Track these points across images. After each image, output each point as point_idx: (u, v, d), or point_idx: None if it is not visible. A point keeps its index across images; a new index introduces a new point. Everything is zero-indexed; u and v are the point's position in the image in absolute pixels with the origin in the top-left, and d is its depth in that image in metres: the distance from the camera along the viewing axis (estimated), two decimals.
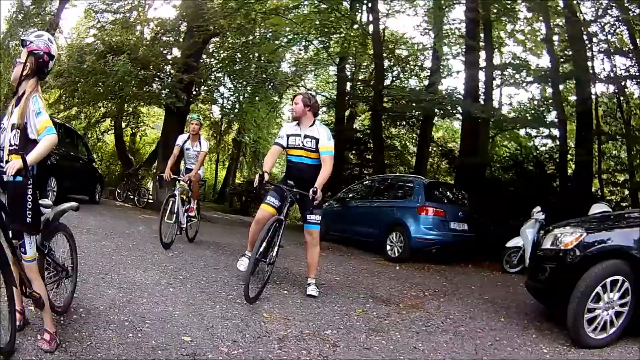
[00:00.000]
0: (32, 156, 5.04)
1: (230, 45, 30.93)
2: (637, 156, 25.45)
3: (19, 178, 4.96)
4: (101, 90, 27.08)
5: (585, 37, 23.77)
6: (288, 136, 9.78)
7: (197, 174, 13.96)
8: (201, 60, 29.83)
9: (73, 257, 6.62)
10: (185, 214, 13.54)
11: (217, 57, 31.83)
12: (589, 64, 25.20)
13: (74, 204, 6.38)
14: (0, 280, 5.03)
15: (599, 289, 7.82)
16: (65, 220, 6.31)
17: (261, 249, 8.74)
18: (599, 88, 28.02)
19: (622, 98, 26.91)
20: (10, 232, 5.16)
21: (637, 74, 23.87)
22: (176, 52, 28.73)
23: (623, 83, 26.01)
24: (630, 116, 27.45)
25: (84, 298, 7.14)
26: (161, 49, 28.27)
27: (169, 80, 27.04)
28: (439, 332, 8.43)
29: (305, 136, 9.55)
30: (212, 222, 23.58)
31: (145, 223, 16.31)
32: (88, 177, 21.51)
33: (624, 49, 24.67)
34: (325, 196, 10.46)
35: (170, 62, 28.04)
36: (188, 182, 13.60)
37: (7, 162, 4.96)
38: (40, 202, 5.47)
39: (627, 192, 26.73)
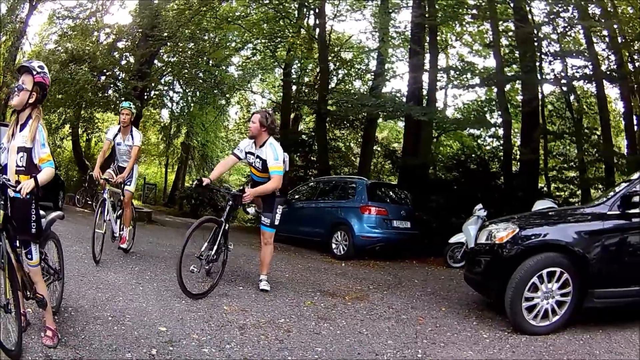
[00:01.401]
0: (41, 179, 5.64)
1: (180, 51, 31.11)
2: (587, 153, 26.11)
3: (28, 196, 5.52)
4: (62, 98, 27.33)
5: (534, 39, 24.27)
6: (246, 153, 10.36)
7: (130, 172, 12.47)
8: (153, 65, 30.20)
9: (61, 261, 7.23)
10: (118, 221, 12.37)
11: (168, 62, 32.02)
12: (539, 64, 25.60)
13: (60, 213, 6.97)
14: (7, 285, 5.46)
15: (535, 279, 8.32)
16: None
17: (202, 249, 9.58)
18: (546, 88, 28.75)
19: (572, 97, 27.24)
20: (17, 241, 5.67)
21: (591, 73, 24.21)
22: (130, 58, 29.05)
23: (575, 83, 26.42)
24: (582, 115, 27.67)
25: (70, 299, 7.80)
26: (117, 55, 28.61)
27: (124, 87, 27.30)
28: (382, 320, 9.04)
29: (257, 156, 10.09)
30: (165, 226, 24.18)
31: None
32: (52, 184, 21.07)
33: (577, 50, 24.94)
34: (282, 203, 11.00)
35: (125, 69, 28.35)
36: (120, 183, 12.23)
37: (17, 182, 5.55)
38: None
39: (576, 188, 27.20)
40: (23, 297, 5.99)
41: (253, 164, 10.23)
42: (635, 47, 23.50)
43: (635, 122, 24.16)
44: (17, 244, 5.77)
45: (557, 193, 27.27)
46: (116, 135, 12.44)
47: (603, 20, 22.35)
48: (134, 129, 12.64)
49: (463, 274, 10.82)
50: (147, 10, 28.13)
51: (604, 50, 24.81)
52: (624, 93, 23.77)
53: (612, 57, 24.21)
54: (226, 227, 9.94)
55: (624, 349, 7.62)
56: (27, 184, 5.51)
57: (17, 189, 5.48)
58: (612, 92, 26.79)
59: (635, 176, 9.30)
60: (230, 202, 10.14)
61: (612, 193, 9.38)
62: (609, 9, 22.12)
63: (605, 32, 23.82)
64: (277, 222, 10.44)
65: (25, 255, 5.92)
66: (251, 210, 11.08)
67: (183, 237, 9.36)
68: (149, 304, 8.19)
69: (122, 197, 12.36)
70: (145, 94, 30.91)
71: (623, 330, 8.29)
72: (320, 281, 12.51)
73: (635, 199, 8.57)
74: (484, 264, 9.38)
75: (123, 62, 29.09)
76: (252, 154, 10.18)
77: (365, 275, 14.36)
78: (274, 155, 9.91)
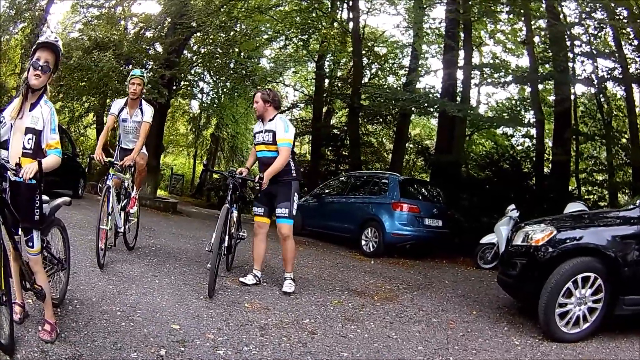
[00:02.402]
0: (46, 164, 5.18)
1: (211, 41, 30.89)
2: (616, 157, 25.96)
3: (32, 181, 5.10)
4: (86, 86, 26.94)
5: (567, 39, 23.76)
6: (255, 134, 10.08)
7: (141, 155, 10.87)
8: (182, 56, 29.83)
9: (66, 250, 6.76)
10: (122, 213, 10.59)
11: (198, 53, 31.75)
12: (570, 65, 25.12)
13: (66, 198, 6.61)
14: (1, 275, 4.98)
15: (570, 284, 8.07)
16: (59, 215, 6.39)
17: (212, 242, 8.88)
18: (578, 89, 28.49)
19: (602, 99, 27.07)
20: (14, 228, 5.24)
21: (620, 76, 23.89)
22: (158, 47, 28.76)
23: (604, 85, 26.07)
24: (611, 118, 27.52)
25: (77, 290, 7.40)
26: (144, 44, 28.29)
27: (152, 75, 26.67)
28: (412, 323, 8.64)
29: (265, 131, 9.71)
30: (190, 217, 24.05)
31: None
32: (72, 172, 21.24)
33: (607, 51, 24.64)
34: (302, 191, 10.45)
35: (153, 57, 28.06)
36: (129, 168, 10.68)
37: (17, 164, 5.01)
38: None
39: (605, 191, 26.82)
40: (21, 288, 5.78)
41: (263, 140, 9.80)
42: None
43: None
44: (18, 231, 5.39)
45: (587, 196, 26.80)
46: (122, 109, 10.77)
47: (631, 22, 22.12)
48: (144, 102, 10.94)
49: (497, 276, 10.51)
50: None
51: (633, 52, 24.53)
52: None
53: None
54: (234, 214, 9.64)
55: None
56: (29, 168, 5.03)
57: (20, 174, 5.01)
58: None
59: None
60: (231, 184, 9.68)
61: None
62: (634, 10, 21.83)
63: (632, 35, 23.82)
64: (294, 213, 9.78)
65: (25, 243, 5.52)
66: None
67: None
68: (163, 299, 7.74)
69: (128, 184, 10.90)
70: (175, 84, 30.77)
71: None
72: (349, 279, 12.13)
73: None
74: (520, 266, 9.07)
75: (151, 52, 28.80)
76: (261, 131, 9.85)
77: (394, 274, 13.92)
78: (285, 127, 9.61)
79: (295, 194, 9.70)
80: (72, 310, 6.65)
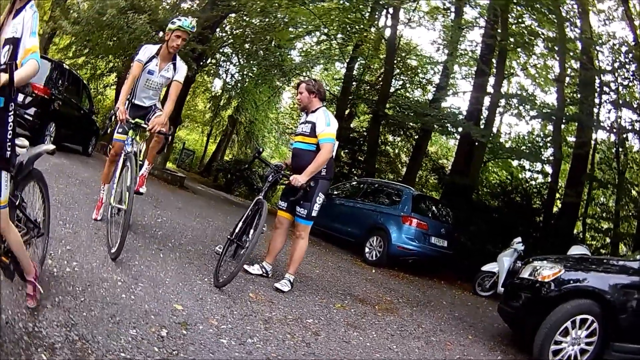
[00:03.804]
0: (19, 75, 4.18)
1: (246, 24, 30.87)
2: (624, 207, 25.90)
3: (1, 99, 4.08)
4: (114, 45, 26.89)
5: (597, 85, 23.77)
6: (299, 125, 9.64)
7: (165, 121, 8.67)
8: (214, 34, 29.82)
9: (45, 210, 5.72)
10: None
11: (231, 33, 31.79)
12: (595, 110, 25.16)
13: (50, 146, 5.45)
14: None
15: (568, 324, 8.29)
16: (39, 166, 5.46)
17: (237, 230, 8.78)
18: (599, 135, 28.40)
19: (620, 149, 26.95)
20: None
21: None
22: (193, 21, 28.60)
23: (625, 135, 26.14)
24: (626, 168, 27.44)
25: (77, 252, 7.02)
26: (180, 15, 28.04)
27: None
28: (412, 338, 8.63)
29: (306, 122, 9.32)
30: (195, 194, 23.96)
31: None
32: (86, 128, 21.06)
33: (635, 105, 24.68)
34: (328, 188, 9.96)
35: None
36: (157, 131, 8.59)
37: None
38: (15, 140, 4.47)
39: (608, 239, 26.65)
40: None
41: (302, 131, 9.32)
42: None
43: None
44: None
45: (590, 241, 26.75)
46: (151, 59, 9.01)
47: None
48: (178, 58, 9.29)
49: (497, 306, 10.64)
50: None
51: None
52: None
53: None
54: (264, 207, 8.68)
55: None
56: None
57: None
58: None
59: None
60: (271, 176, 9.46)
61: None
62: None
63: None
64: (314, 214, 9.28)
65: None
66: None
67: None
68: (167, 275, 7.44)
69: (139, 154, 8.79)
70: (202, 60, 30.69)
71: None
72: (351, 284, 12.06)
73: None
74: (524, 299, 9.39)
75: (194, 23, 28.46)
76: (304, 122, 9.41)
77: (395, 286, 13.91)
78: (326, 120, 9.09)
79: (320, 194, 9.23)
80: (70, 272, 6.26)
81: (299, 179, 8.70)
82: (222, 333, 6.13)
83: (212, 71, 36.52)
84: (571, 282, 8.83)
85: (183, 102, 31.68)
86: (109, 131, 15.35)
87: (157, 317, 5.89)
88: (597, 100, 25.29)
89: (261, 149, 10.07)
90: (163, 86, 9.43)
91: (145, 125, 8.53)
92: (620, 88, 25.37)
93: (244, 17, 30.32)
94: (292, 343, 6.56)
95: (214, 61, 34.42)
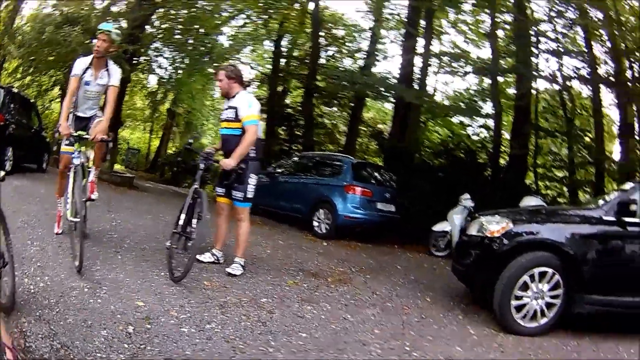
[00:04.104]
0: None
1: (173, 17, 31.13)
2: (578, 155, 26.63)
3: None
4: (53, 60, 27.14)
5: (533, 35, 24.61)
6: (222, 112, 9.96)
7: (106, 127, 9.10)
8: (144, 31, 30.25)
9: (7, 240, 5.70)
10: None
11: (160, 28, 32.06)
12: (535, 60, 25.86)
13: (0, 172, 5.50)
14: None
15: (526, 278, 8.32)
16: None
17: (181, 223, 8.77)
18: (541, 84, 28.99)
19: (566, 97, 27.32)
20: None
21: (588, 76, 24.55)
22: (123, 23, 28.53)
23: (569, 83, 26.55)
24: (574, 116, 27.69)
25: (47, 267, 7.50)
26: (111, 19, 28.12)
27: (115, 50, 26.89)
28: (367, 306, 8.90)
29: (229, 107, 9.54)
30: (145, 192, 24.09)
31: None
32: (38, 146, 21.15)
33: (575, 50, 25.09)
34: (259, 168, 10.18)
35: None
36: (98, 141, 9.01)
37: None
38: None
39: (564, 188, 27.45)
40: None
41: (226, 117, 9.59)
42: (637, 55, 23.17)
43: (635, 129, 24.18)
44: None
45: (545, 191, 27.19)
46: (86, 70, 9.24)
47: (603, 24, 22.65)
48: (110, 62, 9.50)
49: (451, 264, 10.73)
50: None
51: (605, 53, 24.88)
52: (621, 100, 23.99)
53: (611, 63, 24.40)
54: (202, 196, 8.95)
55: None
56: None
57: None
58: (606, 97, 26.48)
59: (630, 184, 9.51)
60: (202, 163, 9.44)
61: (608, 198, 9.52)
62: (610, 14, 22.21)
63: (605, 37, 24.12)
64: (250, 195, 9.64)
65: None
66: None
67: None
68: (126, 275, 7.88)
69: (87, 162, 9.23)
70: (135, 59, 30.97)
71: (612, 341, 8.28)
72: (302, 260, 12.23)
73: (632, 207, 8.64)
74: (474, 256, 9.30)
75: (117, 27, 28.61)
76: (226, 108, 9.70)
77: (347, 257, 14.12)
78: (248, 103, 9.41)
79: (252, 175, 9.52)
80: (44, 287, 6.75)
81: (228, 163, 9.02)
82: (182, 322, 6.53)
83: (146, 68, 36.63)
84: (524, 235, 8.88)
85: (121, 103, 31.79)
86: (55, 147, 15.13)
87: (122, 316, 6.31)
88: (535, 51, 25.51)
89: (191, 140, 10.32)
90: (101, 93, 9.53)
91: (87, 136, 8.81)
92: (560, 36, 25.44)
93: (170, 11, 30.52)
94: (248, 324, 6.91)
95: (147, 58, 34.61)
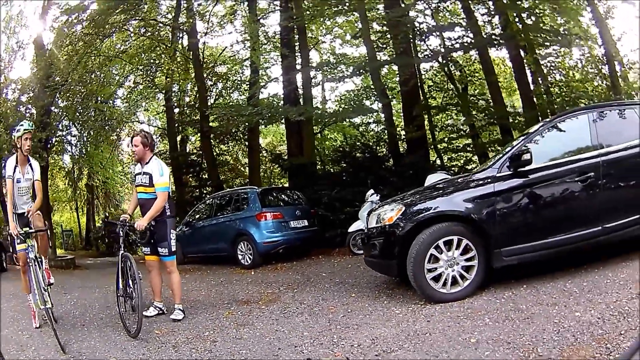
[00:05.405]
0: None
1: (71, 95, 32.34)
2: (477, 119, 27.29)
3: None
4: None
5: (407, 18, 24.47)
6: (135, 176, 10.89)
7: (39, 217, 10.51)
8: (52, 114, 30.98)
9: None
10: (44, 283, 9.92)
11: (64, 107, 33.01)
12: (413, 41, 27.43)
13: None
14: None
15: (432, 251, 8.97)
16: None
17: (120, 287, 9.96)
18: (425, 65, 31.07)
19: (453, 69, 28.82)
20: None
21: (472, 40, 25.14)
22: (33, 110, 29.67)
23: (450, 56, 28.67)
24: (467, 84, 30.31)
25: (35, 350, 8.86)
26: (23, 109, 29.31)
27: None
28: (296, 315, 9.92)
29: (144, 173, 10.42)
30: (88, 269, 26.26)
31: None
32: None
33: (452, 23, 26.64)
34: (175, 223, 11.07)
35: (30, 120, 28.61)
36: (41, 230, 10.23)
37: None
38: None
39: (471, 155, 28.63)
40: None
41: (142, 182, 10.51)
42: (523, 5, 23.89)
43: (527, 77, 25.29)
44: None
45: (453, 163, 29.16)
46: (14, 169, 10.25)
47: None
48: (30, 157, 10.59)
49: (364, 259, 11.46)
50: (42, 61, 28.89)
51: (484, 15, 25.78)
52: (513, 52, 24.72)
53: (496, 20, 25.23)
54: (130, 259, 9.95)
55: (557, 299, 8.12)
56: None
57: None
58: (502, 52, 27.97)
59: (521, 138, 10.34)
60: (121, 230, 10.37)
61: (499, 155, 10.27)
62: None
63: None
64: (174, 249, 10.66)
65: None
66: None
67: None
68: (96, 342, 9.28)
69: (36, 253, 10.00)
70: (49, 143, 31.43)
71: (553, 281, 9.04)
72: (234, 292, 13.61)
73: (526, 156, 9.25)
74: (379, 245, 9.97)
75: (28, 115, 29.37)
76: (140, 173, 10.57)
77: (274, 278, 15.40)
78: (160, 171, 10.35)
79: (172, 231, 10.54)
80: None
81: (141, 224, 10.04)
82: None
83: (59, 149, 37.02)
84: (419, 213, 9.38)
85: (47, 190, 32.24)
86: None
87: None
88: (413, 34, 26.73)
89: (106, 214, 11.23)
90: (30, 188, 10.46)
91: (32, 230, 9.93)
92: (436, 12, 27.18)
93: (70, 89, 31.39)
94: (198, 356, 8.14)
95: (58, 139, 34.96)
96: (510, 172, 9.43)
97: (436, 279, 9.04)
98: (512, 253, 9.11)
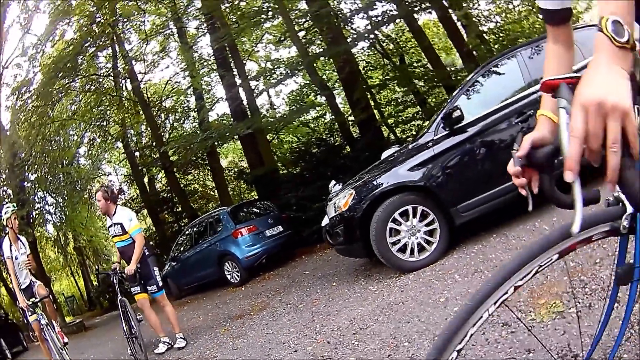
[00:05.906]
0: None
1: (38, 167, 33.40)
2: (418, 86, 27.37)
3: None
4: None
5: (330, 9, 24.63)
6: (109, 229, 11.31)
7: (42, 286, 11.73)
8: (25, 189, 32.13)
9: None
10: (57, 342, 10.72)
11: (34, 180, 33.95)
12: (347, 28, 27.90)
13: None
14: None
15: (391, 225, 9.14)
16: None
17: (125, 330, 10.70)
18: (360, 45, 31.06)
19: (385, 44, 29.38)
20: None
21: (395, 12, 24.52)
22: (9, 190, 30.95)
23: (377, 33, 28.91)
24: (403, 55, 30.37)
25: None
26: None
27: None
28: (282, 316, 10.37)
29: (115, 224, 10.83)
30: (98, 327, 27.40)
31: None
32: (7, 330, 22.64)
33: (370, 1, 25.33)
34: (156, 261, 11.72)
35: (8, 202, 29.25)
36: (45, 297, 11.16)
37: None
38: None
39: (422, 122, 27.81)
40: None
41: (115, 233, 10.94)
42: None
43: (461, 33, 24.67)
44: None
45: (407, 134, 28.93)
46: (10, 247, 11.03)
47: None
48: (18, 235, 11.46)
49: (335, 249, 11.86)
50: (6, 143, 30.01)
51: None
52: (439, 13, 24.61)
53: None
54: (127, 303, 10.79)
55: (525, 240, 8.19)
56: None
57: None
58: (433, 15, 27.41)
59: (455, 93, 10.35)
60: (114, 278, 11.03)
61: (434, 117, 10.29)
62: None
63: None
64: (161, 283, 11.30)
65: None
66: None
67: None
68: None
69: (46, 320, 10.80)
70: (30, 218, 32.45)
71: (522, 223, 9.09)
72: (228, 310, 14.35)
73: (456, 113, 9.37)
74: (342, 232, 10.14)
75: (5, 196, 30.61)
76: (112, 225, 10.97)
77: (263, 288, 16.01)
78: (128, 217, 10.88)
79: (154, 268, 11.11)
80: None
81: (130, 269, 10.58)
82: None
83: (40, 221, 37.79)
84: (369, 192, 9.60)
85: (41, 263, 32.64)
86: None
87: None
88: (339, 19, 26.47)
89: (98, 268, 11.72)
90: (25, 262, 11.31)
91: (37, 299, 10.81)
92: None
93: (35, 161, 32.49)
94: None
95: (37, 212, 35.71)
96: (447, 132, 9.62)
97: (402, 249, 9.21)
98: (468, 208, 9.35)
